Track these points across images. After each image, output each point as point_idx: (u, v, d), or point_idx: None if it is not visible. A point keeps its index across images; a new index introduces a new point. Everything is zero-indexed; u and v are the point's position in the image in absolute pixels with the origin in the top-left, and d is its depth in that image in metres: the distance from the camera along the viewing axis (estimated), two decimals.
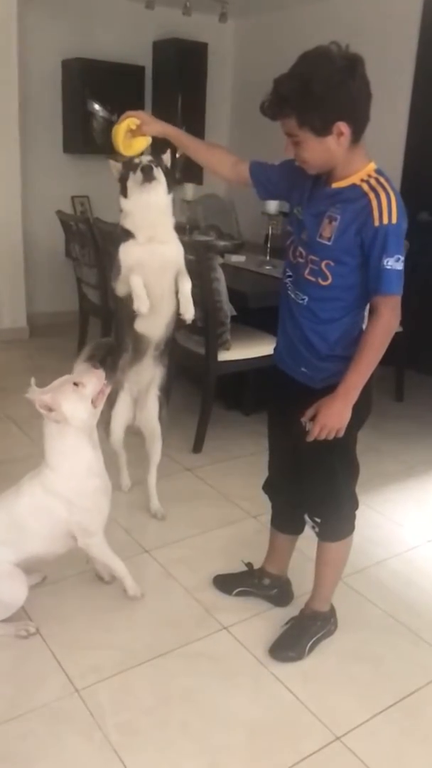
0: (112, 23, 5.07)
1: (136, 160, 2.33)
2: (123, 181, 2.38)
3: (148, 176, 2.33)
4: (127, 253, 2.40)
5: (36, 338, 4.96)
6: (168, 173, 2.42)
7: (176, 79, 5.28)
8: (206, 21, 5.06)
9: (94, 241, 3.94)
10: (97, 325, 4.33)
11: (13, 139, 4.57)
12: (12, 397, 3.68)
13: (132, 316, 2.46)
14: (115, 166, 2.38)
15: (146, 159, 2.35)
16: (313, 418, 1.76)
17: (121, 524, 2.59)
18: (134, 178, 2.34)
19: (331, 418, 1.73)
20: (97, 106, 5.08)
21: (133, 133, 2.02)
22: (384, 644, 2.10)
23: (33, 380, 1.88)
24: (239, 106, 5.73)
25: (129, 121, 1.99)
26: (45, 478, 1.94)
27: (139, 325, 2.47)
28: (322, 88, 1.53)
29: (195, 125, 5.45)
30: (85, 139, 5.05)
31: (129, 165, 2.35)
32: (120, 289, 2.46)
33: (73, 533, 1.99)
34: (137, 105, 5.21)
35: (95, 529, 2.01)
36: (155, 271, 2.40)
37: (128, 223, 2.41)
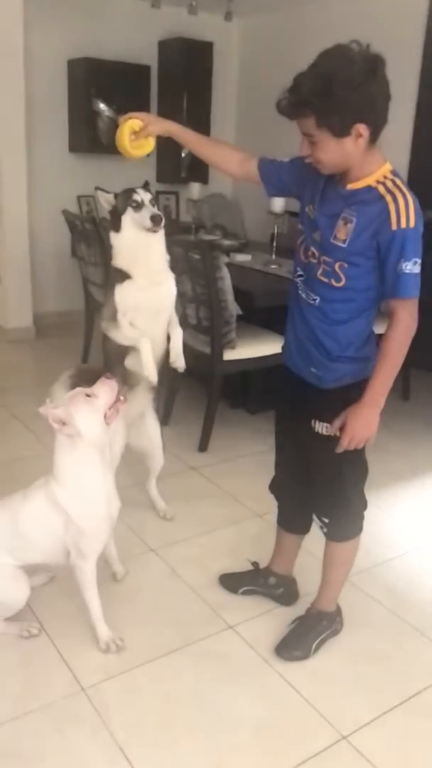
0: (118, 22, 5.07)
1: (136, 197, 2.19)
2: (115, 214, 2.22)
3: (157, 225, 2.18)
4: (124, 296, 2.26)
5: (42, 338, 4.97)
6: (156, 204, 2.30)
7: (182, 78, 5.28)
8: (212, 20, 5.06)
9: (100, 241, 3.94)
10: None
11: (19, 139, 4.58)
12: (18, 397, 3.69)
13: (121, 352, 2.35)
14: (105, 197, 2.24)
15: (147, 198, 2.21)
16: (340, 428, 1.75)
17: (127, 523, 2.59)
18: (134, 217, 2.19)
19: (361, 428, 1.72)
20: (102, 106, 5.09)
21: (137, 135, 1.95)
22: (390, 644, 2.10)
23: (49, 400, 1.82)
24: (245, 104, 5.73)
25: (131, 123, 1.94)
26: (50, 489, 1.87)
27: (130, 363, 2.36)
28: (343, 90, 1.50)
29: (200, 124, 5.44)
30: (91, 138, 5.06)
31: (126, 199, 2.20)
32: (117, 337, 2.33)
33: (68, 548, 1.92)
34: (143, 104, 5.23)
35: (87, 553, 1.90)
36: (152, 313, 2.31)
37: (123, 263, 2.26)
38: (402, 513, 2.87)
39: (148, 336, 2.29)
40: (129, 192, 2.21)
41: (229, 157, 1.95)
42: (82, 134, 5.06)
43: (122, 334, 2.31)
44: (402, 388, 4.03)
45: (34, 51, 4.69)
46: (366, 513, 1.99)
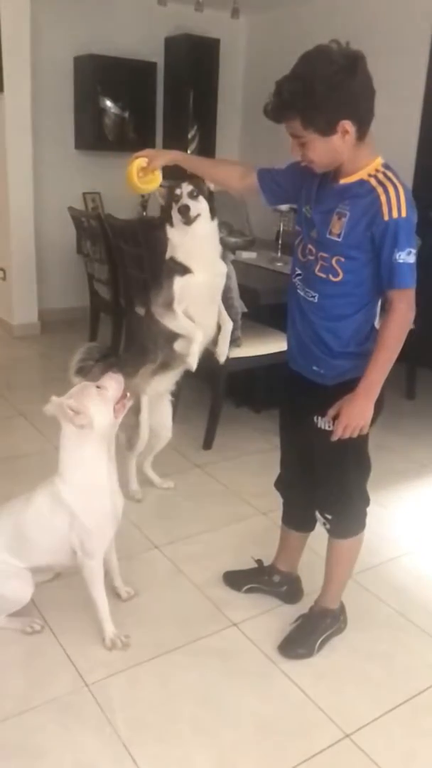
0: (125, 19, 5.06)
1: (177, 191, 2.32)
2: (167, 209, 2.35)
3: (186, 219, 2.31)
4: (185, 288, 2.38)
5: (47, 334, 4.97)
6: (210, 198, 2.38)
7: (188, 75, 5.27)
8: (218, 17, 5.04)
9: (106, 238, 3.95)
10: (107, 321, 4.34)
11: (25, 136, 4.58)
12: (23, 393, 3.69)
13: (171, 335, 2.46)
14: (160, 192, 2.35)
15: (187, 190, 2.31)
16: (335, 418, 1.75)
17: (131, 520, 2.59)
18: (175, 212, 2.33)
19: (355, 416, 1.73)
20: (109, 103, 5.08)
21: (144, 171, 2.05)
22: (394, 642, 2.10)
23: (53, 397, 1.81)
24: (251, 101, 5.71)
25: (138, 161, 2.03)
26: (54, 489, 1.88)
27: (180, 346, 2.47)
28: (324, 89, 1.53)
29: (206, 121, 5.45)
30: (97, 135, 5.05)
31: (172, 194, 2.32)
32: (172, 325, 2.45)
33: (74, 548, 1.92)
34: (149, 101, 5.22)
35: (92, 551, 1.90)
36: (209, 303, 2.44)
37: (180, 256, 2.37)
38: (406, 512, 2.86)
39: (202, 325, 2.41)
40: (173, 186, 2.32)
41: (230, 174, 2.04)
42: (88, 131, 5.05)
43: (178, 323, 2.43)
44: (407, 388, 4.02)
45: (41, 47, 4.68)
46: (370, 512, 1.99)
